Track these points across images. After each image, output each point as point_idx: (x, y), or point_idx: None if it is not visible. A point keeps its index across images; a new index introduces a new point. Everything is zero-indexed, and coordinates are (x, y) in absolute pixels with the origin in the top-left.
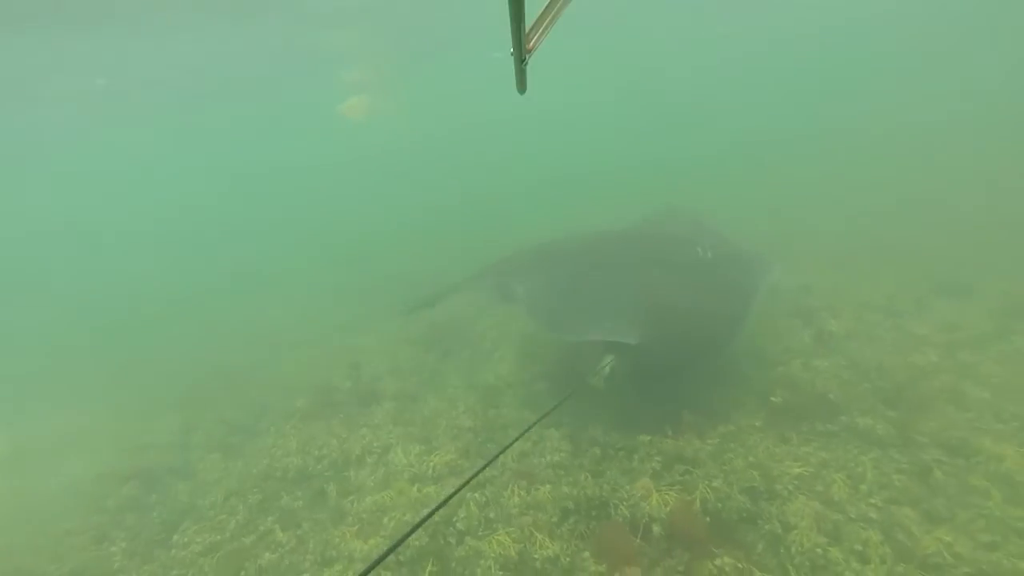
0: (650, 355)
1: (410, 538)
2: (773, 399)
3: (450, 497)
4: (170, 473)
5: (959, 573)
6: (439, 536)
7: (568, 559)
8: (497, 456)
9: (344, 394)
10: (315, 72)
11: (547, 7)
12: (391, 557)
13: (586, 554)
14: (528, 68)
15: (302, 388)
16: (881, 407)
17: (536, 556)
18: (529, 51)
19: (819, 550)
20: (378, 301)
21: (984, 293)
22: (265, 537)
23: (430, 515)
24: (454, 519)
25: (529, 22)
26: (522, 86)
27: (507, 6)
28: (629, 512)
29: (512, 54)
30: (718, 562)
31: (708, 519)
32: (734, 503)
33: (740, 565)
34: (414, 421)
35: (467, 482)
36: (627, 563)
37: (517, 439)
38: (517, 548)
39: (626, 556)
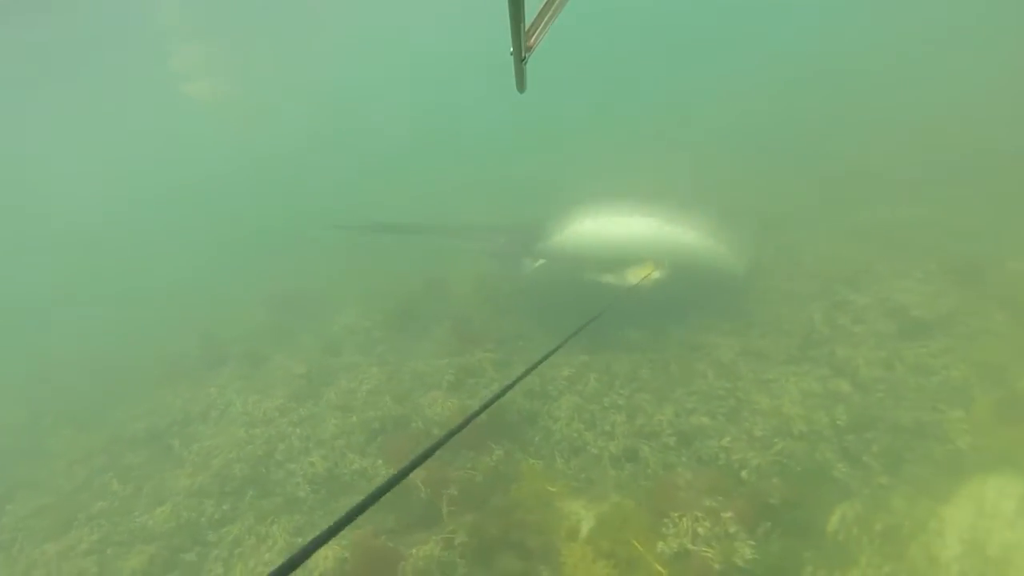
0: None
1: (234, 469)
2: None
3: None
4: (16, 453)
5: (667, 435)
6: (260, 466)
7: (372, 470)
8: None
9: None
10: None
11: (546, 4)
12: (217, 488)
13: (379, 462)
14: (527, 68)
15: (153, 357)
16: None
17: (345, 471)
18: (529, 50)
19: (576, 435)
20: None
21: None
22: (101, 490)
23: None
24: (274, 452)
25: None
26: (522, 85)
27: (507, 5)
28: (423, 423)
29: (512, 53)
30: (496, 455)
31: (488, 420)
32: (516, 405)
33: (516, 456)
34: (254, 376)
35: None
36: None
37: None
38: (326, 466)
39: (409, 454)
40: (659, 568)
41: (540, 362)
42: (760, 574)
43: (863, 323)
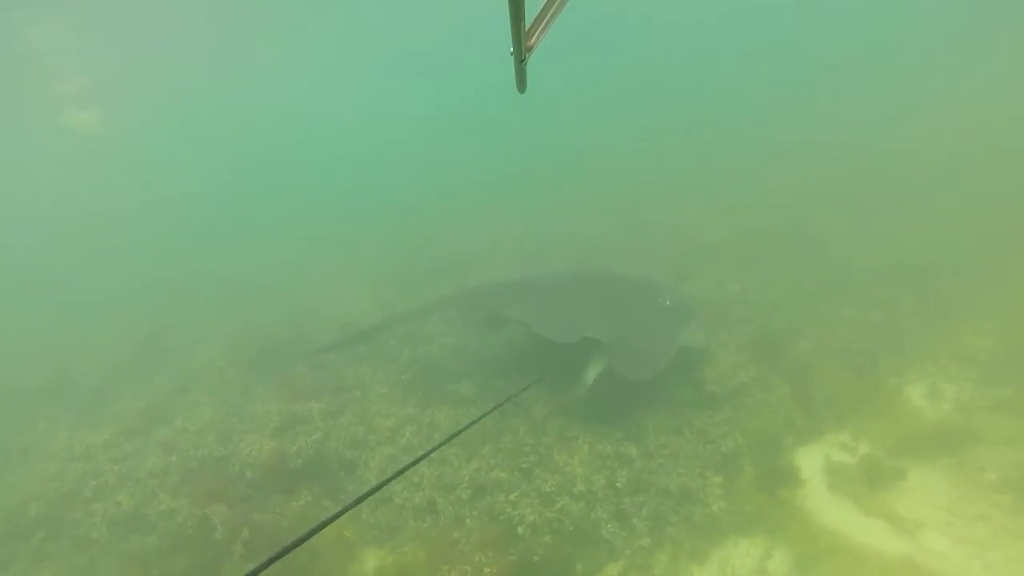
0: None
1: (29, 508)
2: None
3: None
4: None
5: (464, 488)
6: (62, 505)
7: (178, 511)
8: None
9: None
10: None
11: (546, 5)
12: (2, 530)
13: (185, 502)
14: (528, 68)
15: None
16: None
17: (151, 511)
18: (529, 50)
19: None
20: None
21: None
22: None
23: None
24: (83, 489)
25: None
26: (522, 86)
27: (506, 6)
28: (239, 466)
29: (512, 53)
30: (304, 500)
31: (301, 463)
32: (337, 454)
33: (324, 502)
34: (93, 410)
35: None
36: (215, 501)
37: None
38: (133, 505)
39: (216, 495)
40: None
41: (479, 418)
42: None
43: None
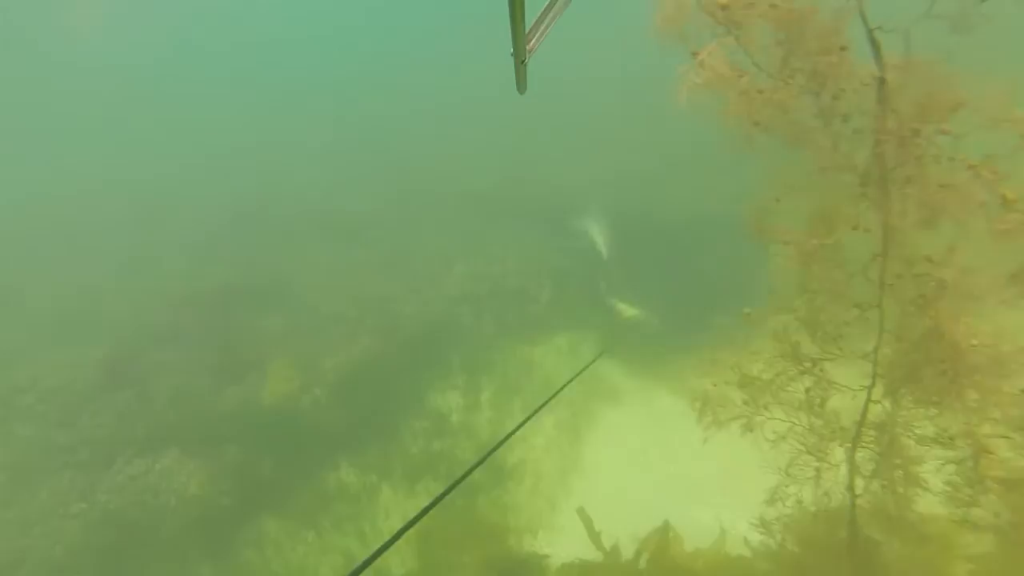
0: None
1: None
2: None
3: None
4: None
5: None
6: None
7: None
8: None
9: None
10: None
11: (547, 7)
12: None
13: None
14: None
15: None
16: None
17: None
18: (529, 51)
19: None
20: None
21: None
22: None
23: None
24: None
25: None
26: (522, 87)
27: (507, 6)
28: None
29: (512, 54)
30: None
31: None
32: None
33: None
34: None
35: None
36: None
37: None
38: None
39: None
40: None
41: (519, 425)
42: None
43: None
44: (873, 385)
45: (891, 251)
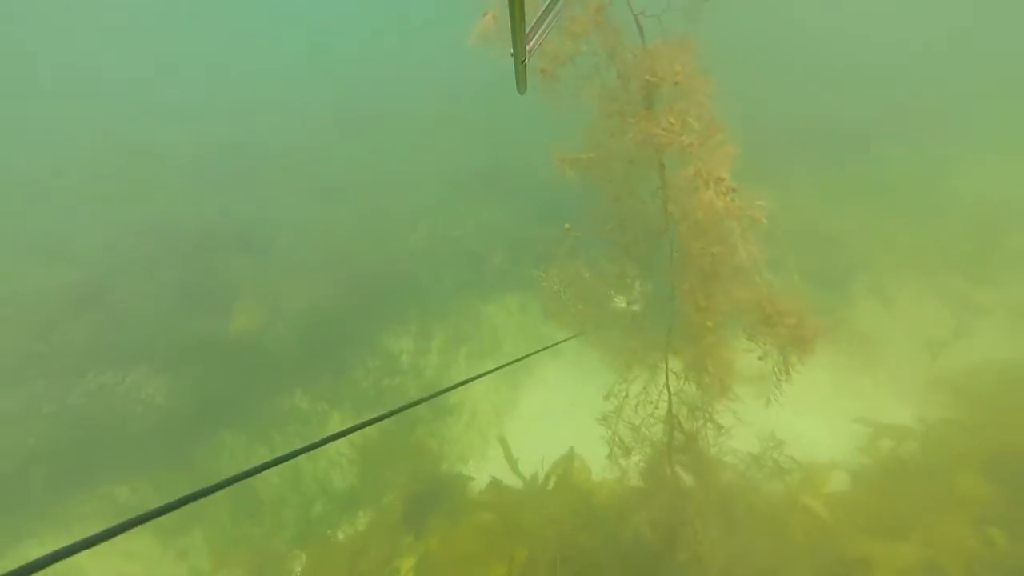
0: None
1: None
2: None
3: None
4: None
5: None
6: None
7: None
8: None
9: None
10: None
11: (547, 7)
12: None
13: None
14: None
15: None
16: None
17: None
18: (530, 51)
19: None
20: None
21: None
22: None
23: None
24: None
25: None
26: (522, 86)
27: (507, 7)
28: None
29: (512, 54)
30: None
31: None
32: None
33: None
34: None
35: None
36: None
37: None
38: None
39: None
40: None
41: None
42: None
43: None
44: (674, 296)
45: (668, 180)
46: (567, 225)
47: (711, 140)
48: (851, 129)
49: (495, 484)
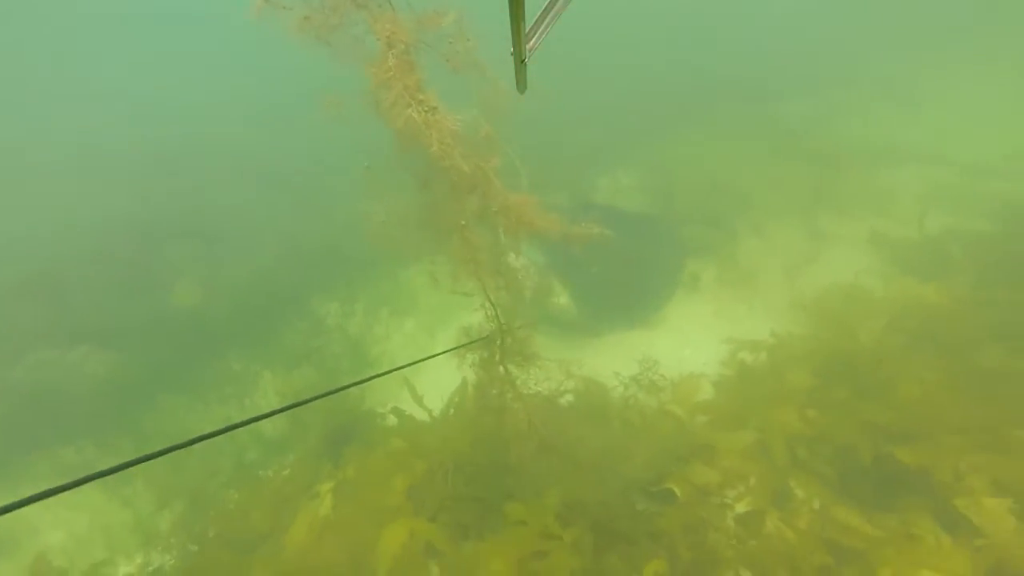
0: None
1: None
2: None
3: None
4: None
5: None
6: None
7: None
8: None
9: None
10: None
11: (547, 7)
12: None
13: None
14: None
15: None
16: None
17: None
18: (530, 51)
19: None
20: None
21: None
22: None
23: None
24: None
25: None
26: (522, 86)
27: (507, 6)
28: None
29: (512, 54)
30: None
31: None
32: None
33: None
34: None
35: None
36: None
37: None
38: None
39: None
40: None
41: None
42: None
43: None
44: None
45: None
46: (366, 163)
47: (411, 75)
48: (751, 85)
49: (405, 418)
